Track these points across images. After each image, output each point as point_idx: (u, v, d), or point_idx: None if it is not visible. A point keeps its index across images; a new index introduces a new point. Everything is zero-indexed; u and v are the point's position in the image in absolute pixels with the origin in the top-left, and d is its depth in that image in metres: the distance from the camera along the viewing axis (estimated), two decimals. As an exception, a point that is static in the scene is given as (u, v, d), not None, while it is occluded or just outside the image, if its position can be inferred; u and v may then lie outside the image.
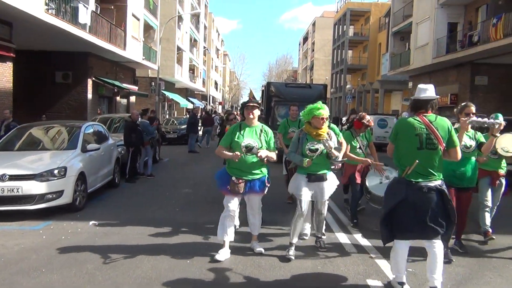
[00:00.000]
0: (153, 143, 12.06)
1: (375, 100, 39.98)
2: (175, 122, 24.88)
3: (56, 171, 6.93)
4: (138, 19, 25.10)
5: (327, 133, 5.14)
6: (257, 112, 5.07)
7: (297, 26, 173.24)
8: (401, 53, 28.21)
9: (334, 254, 5.33)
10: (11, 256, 5.12)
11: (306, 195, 5.10)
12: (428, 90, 4.13)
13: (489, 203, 5.98)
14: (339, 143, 5.44)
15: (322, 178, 5.13)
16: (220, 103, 76.53)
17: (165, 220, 6.80)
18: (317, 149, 5.01)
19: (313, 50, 69.54)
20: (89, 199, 7.93)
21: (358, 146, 6.60)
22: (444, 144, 4.05)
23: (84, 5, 16.76)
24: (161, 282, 4.34)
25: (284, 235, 5.81)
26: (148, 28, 28.35)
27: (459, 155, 4.19)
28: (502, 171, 6.05)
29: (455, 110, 5.64)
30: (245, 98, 71.71)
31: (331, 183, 5.26)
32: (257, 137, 4.97)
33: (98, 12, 19.46)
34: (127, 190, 9.57)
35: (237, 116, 9.88)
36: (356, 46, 50.31)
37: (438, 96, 4.22)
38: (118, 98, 24.96)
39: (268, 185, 5.15)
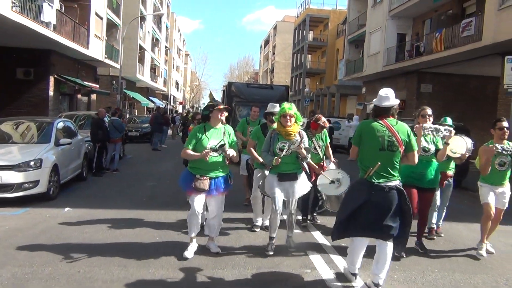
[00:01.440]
0: (124, 139, 12.73)
1: (331, 103, 41.61)
2: (137, 120, 25.29)
3: (32, 163, 7.55)
4: (101, 18, 25.31)
5: (299, 133, 5.23)
6: (225, 114, 5.19)
7: (259, 28, 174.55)
8: (355, 60, 29.80)
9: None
10: (6, 230, 5.83)
11: (279, 193, 5.23)
12: (389, 98, 4.31)
13: (437, 202, 6.24)
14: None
15: (293, 177, 5.23)
16: (180, 103, 76.61)
17: (132, 208, 7.55)
18: (286, 148, 5.08)
19: (274, 53, 70.90)
20: (61, 190, 8.54)
21: (313, 147, 6.56)
22: (403, 147, 4.26)
23: (48, 4, 17.01)
24: (135, 252, 5.13)
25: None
26: (111, 27, 28.54)
27: (416, 159, 4.45)
28: (450, 172, 6.30)
29: (414, 114, 5.99)
30: (206, 98, 72.02)
31: (302, 183, 5.36)
32: (221, 138, 5.06)
33: (62, 11, 19.68)
34: (95, 183, 10.19)
35: None
36: (315, 51, 51.94)
37: (398, 102, 4.42)
38: (79, 96, 25.05)
39: (231, 183, 5.23)
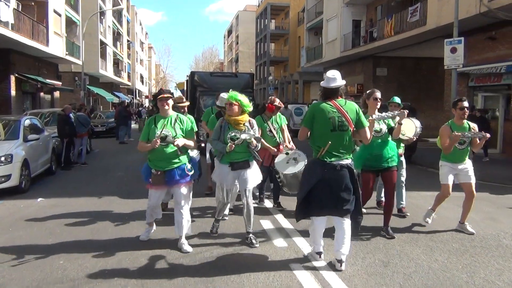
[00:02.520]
0: (90, 133, 13.14)
1: (296, 90, 42.56)
2: (102, 116, 25.45)
3: (3, 158, 7.97)
4: (60, 15, 25.19)
5: (249, 122, 5.16)
6: (171, 102, 5.03)
7: (222, 18, 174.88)
8: (315, 47, 30.69)
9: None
10: None
11: (230, 183, 5.18)
12: (336, 79, 4.40)
13: (403, 179, 6.51)
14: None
15: (245, 165, 5.15)
16: (146, 97, 76.04)
17: (102, 195, 8.08)
18: (237, 138, 4.97)
19: (237, 43, 71.28)
20: (32, 183, 8.98)
21: (268, 130, 6.62)
22: (353, 126, 4.38)
23: (5, 3, 16.99)
24: (106, 232, 5.72)
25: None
26: (70, 23, 28.37)
27: (368, 135, 4.55)
28: (401, 151, 6.39)
29: (362, 96, 5.89)
30: (174, 92, 71.48)
31: (255, 171, 5.28)
32: (171, 127, 4.93)
33: (20, 9, 19.59)
34: (64, 176, 10.63)
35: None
36: (278, 39, 52.60)
37: (344, 82, 4.51)
38: (42, 93, 24.96)
39: (190, 173, 5.04)
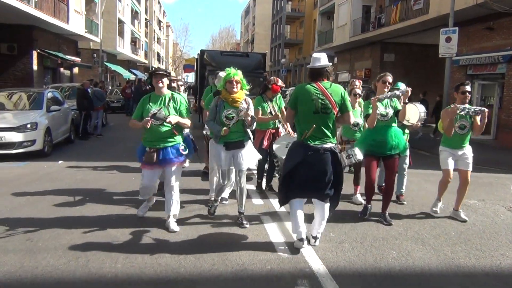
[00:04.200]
0: (106, 107, 14.33)
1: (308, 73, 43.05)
2: (119, 92, 26.62)
3: (29, 125, 9.16)
4: (80, -7, 26.21)
5: (245, 100, 5.06)
6: (166, 81, 4.96)
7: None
8: (326, 31, 31.23)
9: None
10: (12, 177, 7.55)
11: (225, 163, 5.13)
12: (321, 59, 4.33)
13: (405, 167, 6.48)
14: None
15: (240, 145, 5.10)
16: (163, 75, 77.00)
17: (114, 161, 9.20)
18: (233, 117, 4.94)
19: (254, 24, 71.45)
20: (53, 149, 10.17)
21: (268, 110, 6.51)
22: (337, 109, 4.29)
23: (29, -18, 18.05)
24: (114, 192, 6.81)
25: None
26: (89, 1, 29.34)
27: (352, 120, 4.52)
28: (405, 137, 6.21)
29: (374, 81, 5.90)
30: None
31: (250, 152, 5.22)
32: (164, 106, 4.87)
33: (42, -12, 20.62)
34: (81, 145, 11.83)
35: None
36: (293, 22, 52.73)
37: (330, 64, 4.41)
38: (62, 69, 26.20)
39: (184, 153, 5.03)
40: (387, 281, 3.90)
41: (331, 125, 4.33)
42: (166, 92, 5.01)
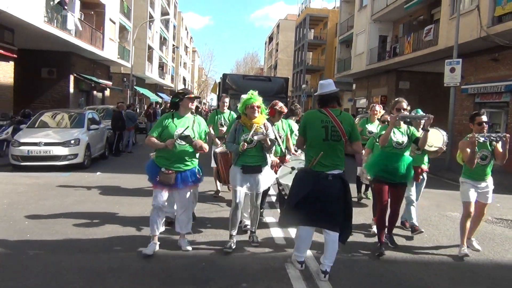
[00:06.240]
0: (136, 128, 15.87)
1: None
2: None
3: (73, 141, 10.59)
4: (114, 23, 28.29)
5: (264, 125, 5.08)
6: (195, 103, 5.07)
7: (268, 24, 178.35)
8: (345, 59, 32.49)
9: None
10: (60, 183, 8.96)
11: (241, 186, 5.06)
12: (328, 85, 4.38)
13: (414, 198, 6.09)
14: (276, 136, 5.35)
15: (257, 170, 5.06)
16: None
17: (144, 174, 10.41)
18: (251, 140, 4.93)
19: (277, 50, 73.44)
20: (91, 163, 11.56)
21: (274, 138, 5.86)
22: (346, 137, 4.25)
23: (71, 14, 20.01)
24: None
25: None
26: (122, 29, 31.54)
27: (361, 149, 4.49)
28: (425, 167, 6.12)
29: (388, 106, 5.83)
30: (213, 95, 74.15)
31: (266, 176, 5.19)
32: (190, 127, 4.82)
33: (82, 18, 22.64)
34: (115, 160, 13.27)
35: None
36: (315, 49, 54.17)
37: (338, 89, 4.43)
38: (95, 92, 28.17)
39: (200, 176, 5.04)
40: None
41: (340, 153, 4.30)
42: (189, 114, 5.02)
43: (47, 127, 11.64)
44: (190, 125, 4.82)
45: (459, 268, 5.02)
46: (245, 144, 4.91)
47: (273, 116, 6.17)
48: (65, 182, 9.14)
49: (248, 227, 5.63)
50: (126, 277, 4.23)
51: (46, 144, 10.29)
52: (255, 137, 4.90)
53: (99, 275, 4.25)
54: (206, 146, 4.93)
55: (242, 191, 5.08)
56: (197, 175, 4.98)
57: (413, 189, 6.08)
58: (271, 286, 4.17)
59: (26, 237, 5.34)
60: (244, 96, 5.35)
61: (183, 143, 4.73)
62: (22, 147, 10.24)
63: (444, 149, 6.00)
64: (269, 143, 4.96)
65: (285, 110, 6.36)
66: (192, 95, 4.94)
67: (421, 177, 6.10)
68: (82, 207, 6.94)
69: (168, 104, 7.70)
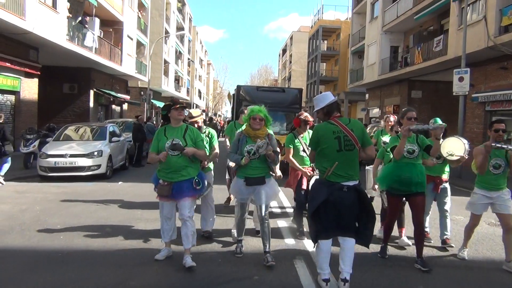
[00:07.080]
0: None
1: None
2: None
3: (96, 153, 11.22)
4: (132, 39, 29.26)
5: (267, 135, 5.04)
6: (185, 113, 5.02)
7: (282, 36, 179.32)
8: (357, 69, 32.90)
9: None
10: (85, 192, 9.58)
11: (244, 198, 5.12)
12: (326, 96, 4.42)
13: (429, 210, 6.06)
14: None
15: (260, 181, 5.03)
16: (203, 111, 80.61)
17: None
18: (254, 152, 4.94)
19: (290, 62, 74.08)
20: (113, 173, 12.17)
21: (301, 149, 6.14)
22: (359, 144, 4.24)
23: (91, 32, 20.91)
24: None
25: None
26: (139, 45, 32.54)
27: (374, 152, 4.49)
28: (445, 176, 6.03)
29: (397, 115, 5.79)
30: (228, 106, 75.07)
31: (271, 188, 5.12)
32: (181, 137, 4.84)
33: (101, 36, 23.57)
34: (135, 171, 13.90)
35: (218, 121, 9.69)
36: (328, 60, 54.60)
37: (336, 98, 4.45)
38: (113, 106, 29.07)
39: (198, 187, 4.90)
40: None
41: (354, 162, 4.28)
42: (181, 124, 5.02)
43: (71, 140, 12.32)
44: (181, 133, 4.88)
45: (460, 268, 5.30)
46: (248, 158, 4.96)
47: (299, 126, 6.24)
48: (90, 191, 9.77)
49: (258, 229, 5.78)
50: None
51: (72, 155, 10.96)
52: (260, 150, 4.91)
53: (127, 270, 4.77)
54: (201, 153, 4.97)
55: (244, 203, 5.19)
56: (195, 186, 4.88)
57: (430, 201, 6.02)
58: (281, 279, 4.58)
59: (59, 238, 5.94)
60: (251, 107, 5.39)
61: (175, 153, 4.77)
62: (49, 159, 10.92)
63: (466, 157, 5.69)
64: (273, 155, 4.99)
65: (311, 119, 6.30)
66: (178, 105, 4.92)
67: (441, 187, 6.00)
68: (105, 213, 7.53)
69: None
